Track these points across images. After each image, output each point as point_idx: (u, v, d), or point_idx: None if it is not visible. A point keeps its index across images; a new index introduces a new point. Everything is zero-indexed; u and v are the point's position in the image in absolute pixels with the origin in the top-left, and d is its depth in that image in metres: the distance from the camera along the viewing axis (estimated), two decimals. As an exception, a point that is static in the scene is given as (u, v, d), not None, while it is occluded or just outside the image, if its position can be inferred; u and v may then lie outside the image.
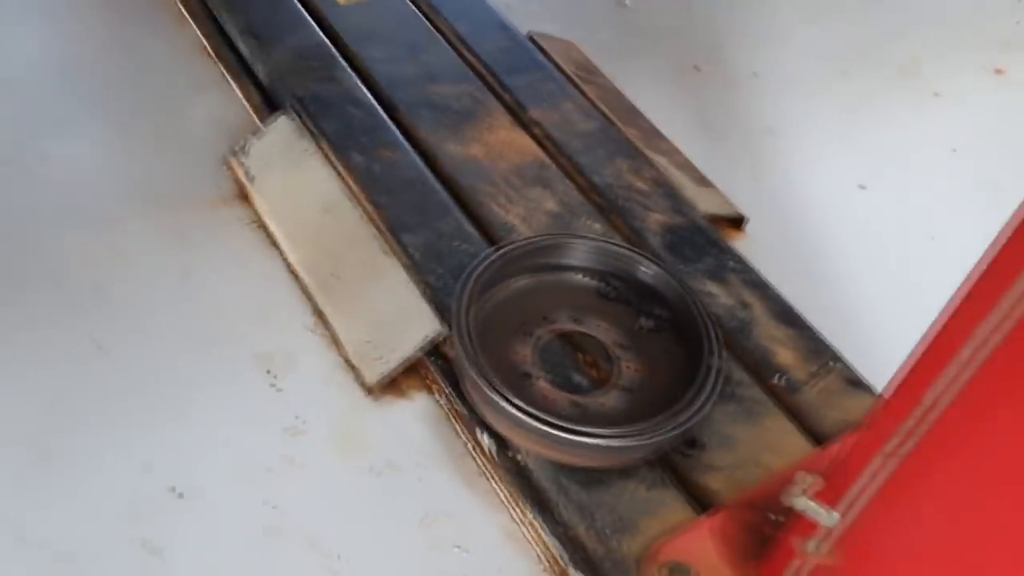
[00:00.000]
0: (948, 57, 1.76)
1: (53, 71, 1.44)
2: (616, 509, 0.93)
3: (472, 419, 1.03)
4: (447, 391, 1.07)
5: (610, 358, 1.04)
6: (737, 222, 1.32)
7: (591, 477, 0.95)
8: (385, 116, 1.31)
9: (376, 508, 1.00)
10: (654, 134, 1.42)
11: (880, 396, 0.67)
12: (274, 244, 1.22)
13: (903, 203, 1.44)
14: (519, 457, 1.01)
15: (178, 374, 1.07)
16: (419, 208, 1.19)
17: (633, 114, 1.44)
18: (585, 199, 1.24)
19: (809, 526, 0.72)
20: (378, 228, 1.18)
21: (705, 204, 1.28)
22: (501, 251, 1.06)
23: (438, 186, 1.22)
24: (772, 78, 1.65)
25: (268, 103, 1.39)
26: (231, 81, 1.45)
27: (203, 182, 1.30)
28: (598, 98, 1.42)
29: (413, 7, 1.50)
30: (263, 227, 1.24)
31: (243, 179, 1.28)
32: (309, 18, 1.45)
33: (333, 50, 1.40)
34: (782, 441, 1.00)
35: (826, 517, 0.68)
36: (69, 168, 1.29)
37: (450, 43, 1.46)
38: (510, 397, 0.91)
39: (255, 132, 1.33)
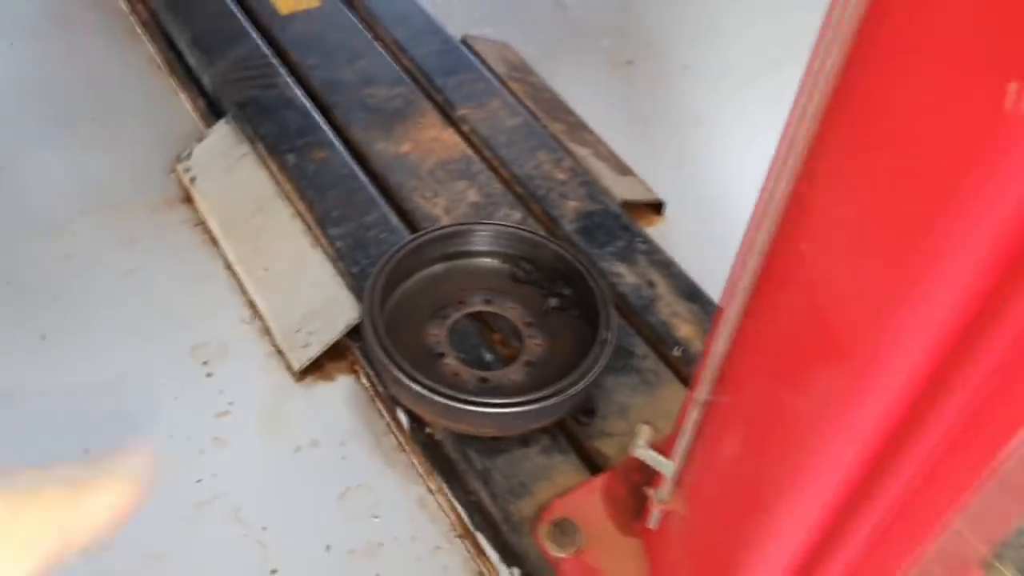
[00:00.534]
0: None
1: (11, 85, 1.53)
2: (514, 475, 0.99)
3: (391, 399, 1.10)
4: (371, 374, 1.15)
5: (519, 336, 1.11)
6: (657, 207, 1.39)
7: (493, 446, 1.01)
8: (320, 119, 1.38)
9: (300, 483, 1.07)
10: (580, 127, 1.48)
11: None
12: (214, 242, 1.30)
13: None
14: (432, 432, 1.08)
15: (117, 365, 1.15)
16: (347, 203, 1.26)
17: (561, 109, 1.51)
18: (507, 190, 1.31)
19: (660, 478, 0.78)
20: (307, 224, 1.25)
21: (623, 191, 1.35)
22: (411, 240, 1.12)
23: (367, 182, 1.29)
24: (704, 70, 1.71)
25: (213, 111, 1.47)
26: (180, 92, 1.53)
27: (151, 187, 1.38)
28: (526, 95, 1.49)
29: (352, 16, 1.58)
30: (204, 227, 1.32)
31: (186, 183, 1.36)
32: (252, 29, 1.53)
33: (273, 59, 1.47)
34: (677, 408, 1.05)
35: (665, 465, 0.74)
36: (25, 177, 1.38)
37: (387, 48, 1.54)
38: (410, 372, 0.98)
39: (199, 138, 1.41)
